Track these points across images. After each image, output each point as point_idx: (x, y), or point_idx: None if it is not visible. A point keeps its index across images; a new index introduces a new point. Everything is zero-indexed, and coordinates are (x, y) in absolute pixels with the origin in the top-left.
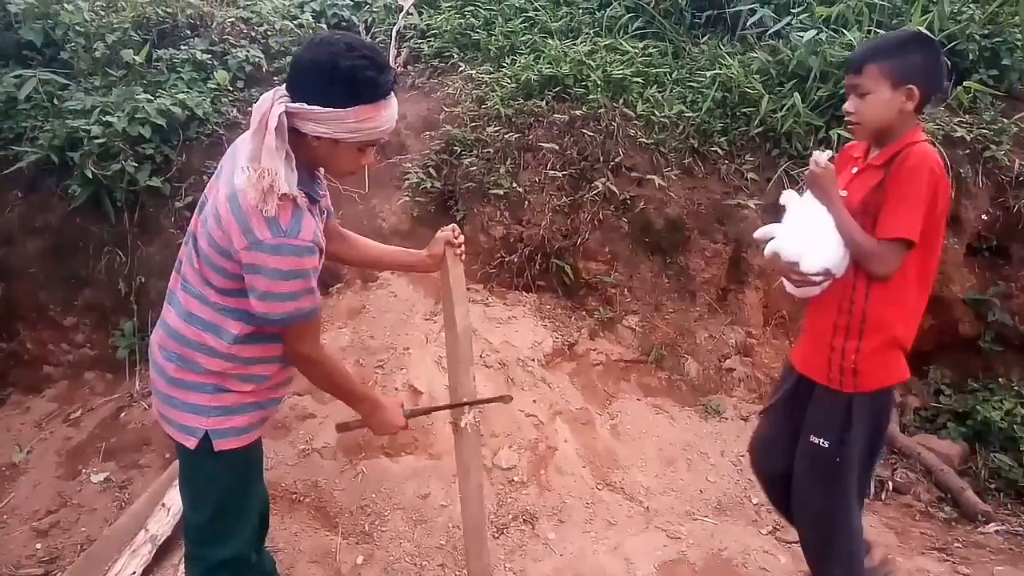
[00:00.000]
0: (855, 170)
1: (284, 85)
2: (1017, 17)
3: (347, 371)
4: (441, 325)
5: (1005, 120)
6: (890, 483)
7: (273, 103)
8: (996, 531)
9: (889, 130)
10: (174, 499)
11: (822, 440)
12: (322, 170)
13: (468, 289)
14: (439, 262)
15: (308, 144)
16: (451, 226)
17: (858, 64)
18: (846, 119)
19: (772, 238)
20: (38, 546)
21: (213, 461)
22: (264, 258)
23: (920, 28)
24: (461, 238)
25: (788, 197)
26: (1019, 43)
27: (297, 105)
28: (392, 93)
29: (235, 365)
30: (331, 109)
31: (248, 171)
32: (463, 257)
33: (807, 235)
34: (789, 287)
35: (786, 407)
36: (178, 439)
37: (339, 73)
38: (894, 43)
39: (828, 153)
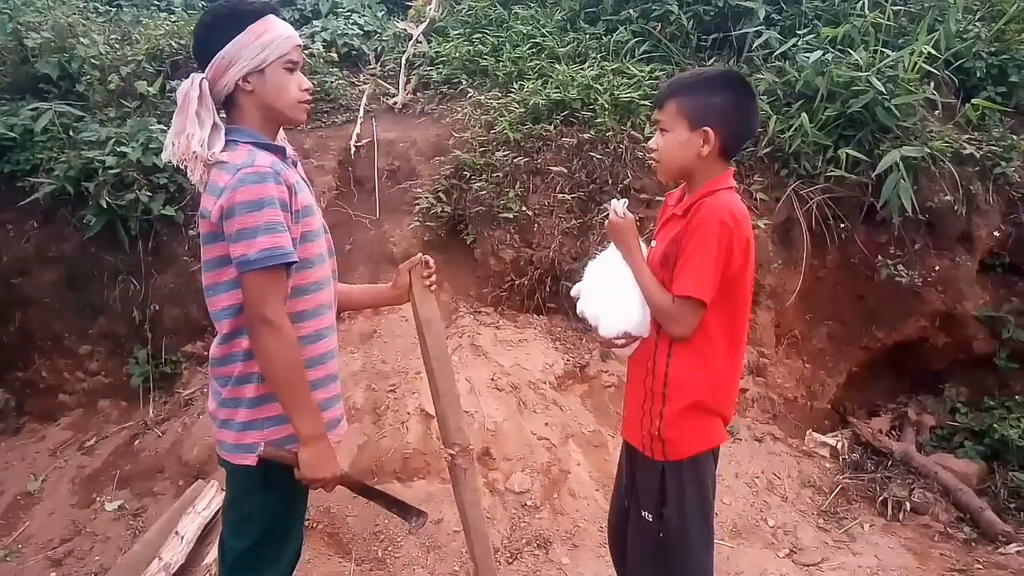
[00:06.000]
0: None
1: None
2: None
3: (304, 370)
4: (455, 347)
5: (1014, 137)
6: (907, 504)
7: (192, 81)
8: (1018, 551)
9: (690, 174)
10: (187, 527)
11: (647, 514)
12: (284, 140)
13: (479, 312)
14: (406, 292)
15: (246, 98)
16: (420, 256)
17: (662, 98)
18: (648, 156)
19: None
20: (53, 575)
21: (265, 486)
22: (231, 196)
23: (731, 68)
24: (431, 268)
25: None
26: None
27: (209, 65)
28: (272, 14)
29: None
30: (232, 42)
31: (172, 146)
32: (432, 288)
33: (606, 295)
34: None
35: (626, 477)
36: (235, 461)
37: (219, 16)
38: (699, 80)
39: (625, 201)
